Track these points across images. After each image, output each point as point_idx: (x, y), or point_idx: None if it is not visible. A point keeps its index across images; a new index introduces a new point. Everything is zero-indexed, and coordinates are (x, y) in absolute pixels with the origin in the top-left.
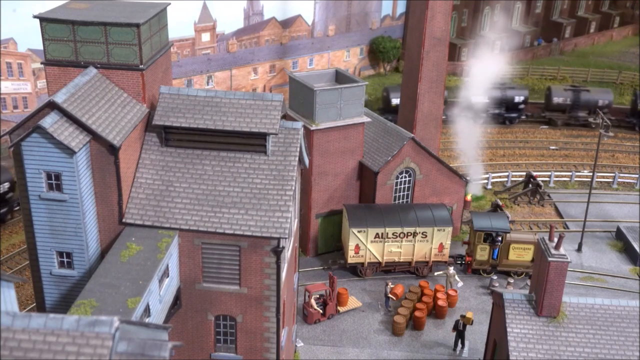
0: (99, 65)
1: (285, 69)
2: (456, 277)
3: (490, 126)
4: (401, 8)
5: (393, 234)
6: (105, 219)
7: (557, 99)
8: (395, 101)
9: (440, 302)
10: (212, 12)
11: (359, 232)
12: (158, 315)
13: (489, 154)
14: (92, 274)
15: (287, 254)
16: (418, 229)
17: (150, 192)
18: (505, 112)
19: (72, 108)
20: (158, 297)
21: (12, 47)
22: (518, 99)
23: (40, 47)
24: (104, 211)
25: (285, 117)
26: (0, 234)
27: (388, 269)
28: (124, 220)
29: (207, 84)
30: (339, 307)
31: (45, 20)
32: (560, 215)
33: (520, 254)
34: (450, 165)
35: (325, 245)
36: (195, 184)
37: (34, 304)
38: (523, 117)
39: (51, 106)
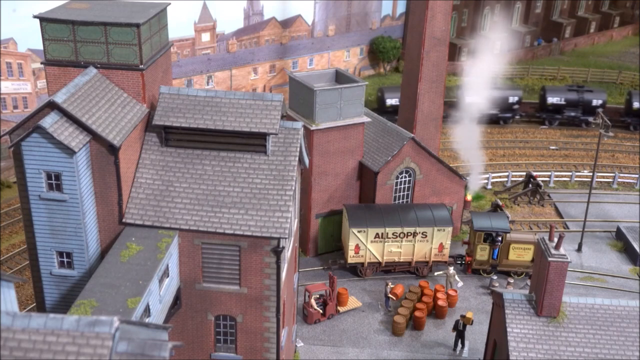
0: (99, 65)
1: (285, 69)
2: (456, 277)
3: (484, 126)
4: (401, 8)
5: (393, 234)
6: (105, 219)
7: (551, 99)
8: (390, 102)
9: (440, 302)
10: (212, 12)
11: (359, 232)
12: (158, 315)
13: (489, 154)
14: (92, 274)
15: (287, 254)
16: (418, 229)
17: (150, 192)
18: (499, 113)
19: (72, 108)
20: (158, 297)
21: (12, 47)
22: (512, 99)
23: (40, 47)
24: (104, 211)
25: (285, 117)
26: (0, 234)
27: (388, 269)
28: (124, 220)
29: (207, 84)
30: (339, 307)
31: (45, 20)
32: (560, 215)
33: (520, 254)
34: (450, 165)
35: (325, 245)
36: (195, 184)
37: (34, 304)
38: (517, 117)
39: (51, 106)
